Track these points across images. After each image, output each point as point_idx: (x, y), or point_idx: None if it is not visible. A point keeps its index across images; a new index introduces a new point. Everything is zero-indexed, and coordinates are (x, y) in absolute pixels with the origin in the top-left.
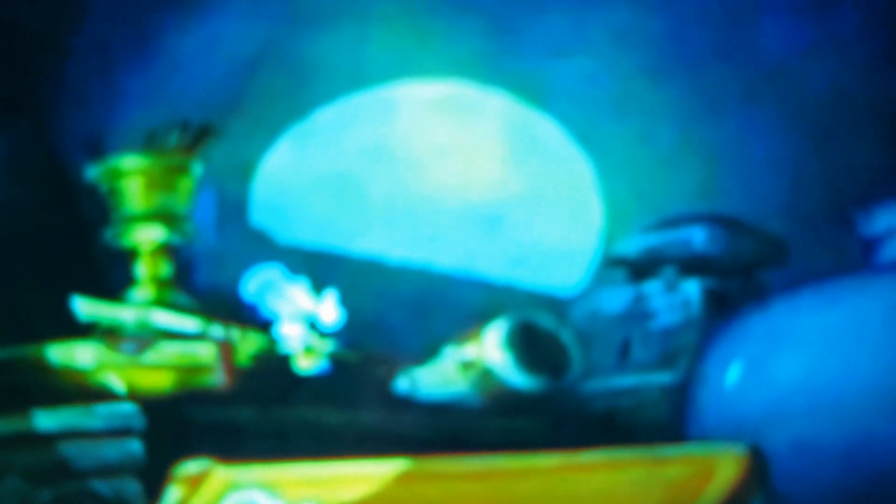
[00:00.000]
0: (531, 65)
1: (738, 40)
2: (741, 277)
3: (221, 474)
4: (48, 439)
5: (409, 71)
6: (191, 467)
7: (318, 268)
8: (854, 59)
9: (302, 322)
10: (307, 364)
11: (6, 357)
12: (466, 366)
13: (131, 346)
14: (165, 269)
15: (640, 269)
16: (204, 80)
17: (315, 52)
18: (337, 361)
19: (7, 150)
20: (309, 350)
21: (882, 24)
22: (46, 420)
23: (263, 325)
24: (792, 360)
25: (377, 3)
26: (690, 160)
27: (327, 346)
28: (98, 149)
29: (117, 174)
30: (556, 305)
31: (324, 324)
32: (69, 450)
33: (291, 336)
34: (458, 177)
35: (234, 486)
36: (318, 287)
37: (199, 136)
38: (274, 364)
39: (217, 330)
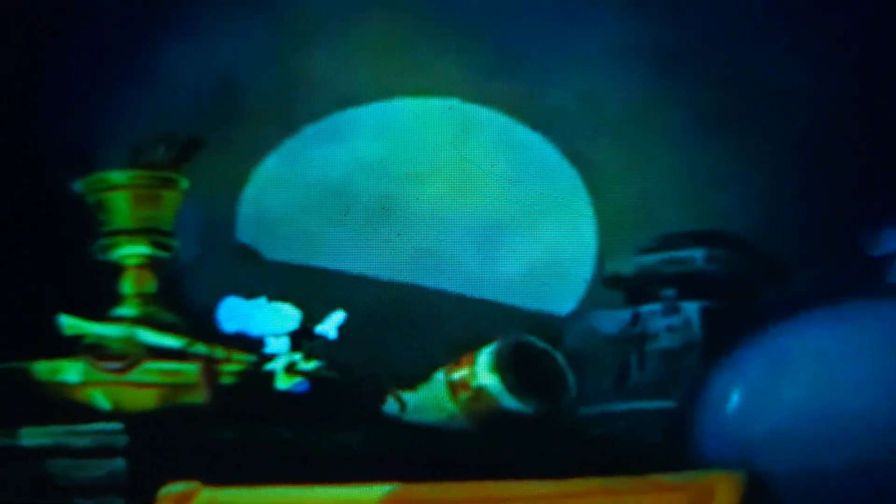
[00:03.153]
0: (526, 82)
1: (738, 63)
2: (743, 299)
3: (208, 496)
4: (33, 456)
5: (402, 87)
6: (177, 488)
7: (306, 286)
8: (855, 83)
9: (285, 341)
10: (291, 384)
11: None
12: (458, 388)
13: (115, 364)
14: (150, 284)
15: (638, 289)
16: (193, 94)
17: (305, 68)
18: (322, 382)
19: None
20: (293, 369)
21: (882, 49)
22: (32, 437)
23: (247, 342)
24: (795, 386)
25: (368, 20)
26: (688, 181)
27: (312, 365)
28: (85, 162)
29: (103, 188)
30: (550, 327)
31: (322, 337)
32: (54, 467)
33: (276, 355)
34: (452, 194)
35: None
36: (304, 305)
37: (185, 150)
38: (257, 383)
39: (200, 348)
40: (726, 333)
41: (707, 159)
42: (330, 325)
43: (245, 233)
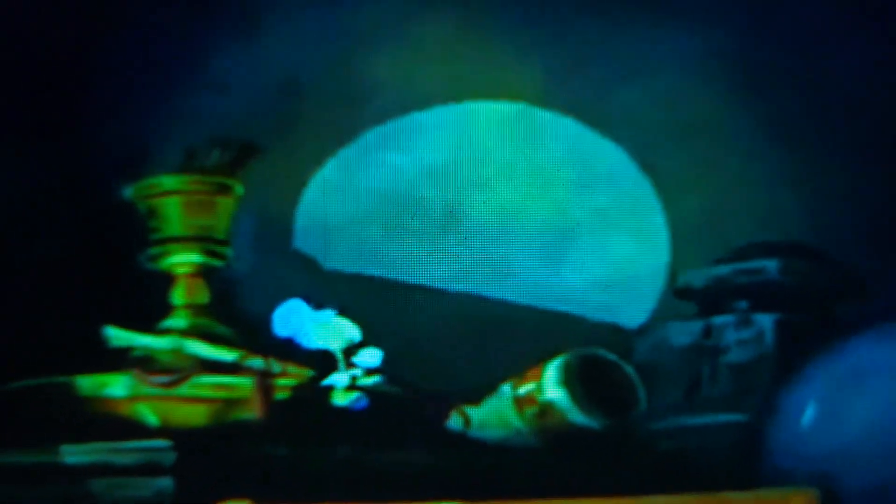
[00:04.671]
0: (597, 86)
1: (815, 67)
2: (817, 311)
3: None
4: (77, 475)
5: (468, 91)
6: None
7: (367, 297)
8: None
9: (345, 355)
10: (349, 400)
11: (36, 387)
12: (524, 403)
13: (164, 378)
14: (202, 295)
15: (710, 301)
16: (251, 96)
17: (368, 71)
18: (383, 397)
19: (40, 169)
20: (352, 384)
21: None
22: (74, 455)
23: (304, 356)
24: (871, 401)
25: (433, 22)
26: (762, 188)
27: (372, 380)
28: (136, 167)
29: (154, 194)
30: (620, 339)
31: (365, 364)
32: (97, 487)
33: (334, 369)
34: (520, 202)
35: None
36: (365, 319)
37: (241, 155)
38: (314, 399)
39: (255, 361)
40: (800, 346)
41: (783, 168)
42: (367, 359)
43: (303, 241)
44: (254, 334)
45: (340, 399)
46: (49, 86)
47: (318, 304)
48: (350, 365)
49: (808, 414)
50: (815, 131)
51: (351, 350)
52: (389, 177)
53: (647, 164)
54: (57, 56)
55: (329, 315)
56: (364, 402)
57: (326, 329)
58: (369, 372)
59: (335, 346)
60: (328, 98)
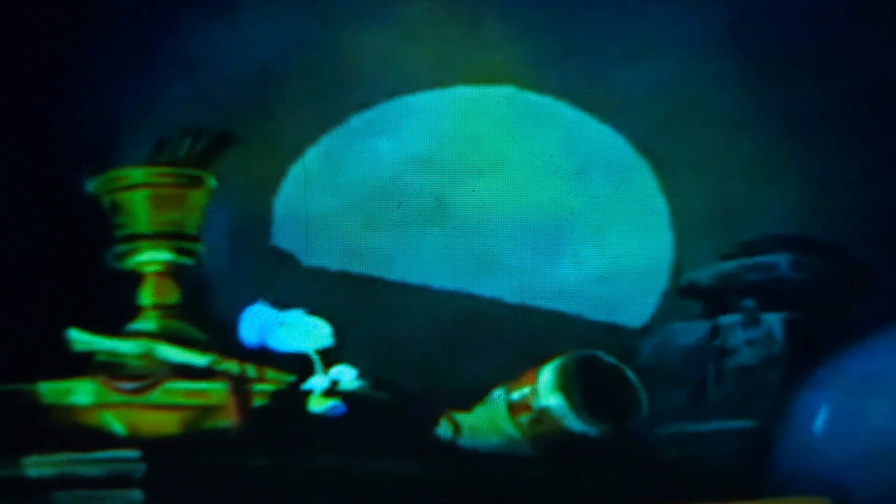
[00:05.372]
0: (594, 69)
1: (826, 48)
2: (830, 310)
3: None
4: (40, 488)
5: (456, 75)
6: None
7: (349, 295)
8: None
9: (321, 356)
10: (325, 406)
11: None
12: (518, 409)
13: (132, 384)
14: (172, 295)
15: (717, 299)
16: (225, 84)
17: (350, 55)
18: (367, 403)
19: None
20: (333, 389)
21: None
22: (38, 467)
23: (283, 360)
24: (886, 405)
25: (420, 1)
26: (771, 178)
27: (355, 384)
28: (102, 158)
29: (120, 187)
30: (620, 340)
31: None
32: (62, 500)
33: (314, 374)
34: (512, 191)
35: None
36: (347, 318)
37: (214, 145)
38: (293, 405)
39: (230, 366)
40: (811, 347)
41: (792, 156)
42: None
43: (281, 236)
44: (228, 337)
45: (317, 405)
46: (8, 70)
47: (283, 304)
48: (328, 368)
49: (821, 419)
50: (827, 116)
51: (327, 352)
52: (373, 165)
53: (648, 152)
54: (19, 38)
55: (298, 315)
56: (341, 409)
57: (297, 330)
58: (352, 375)
59: (308, 347)
60: (309, 83)
